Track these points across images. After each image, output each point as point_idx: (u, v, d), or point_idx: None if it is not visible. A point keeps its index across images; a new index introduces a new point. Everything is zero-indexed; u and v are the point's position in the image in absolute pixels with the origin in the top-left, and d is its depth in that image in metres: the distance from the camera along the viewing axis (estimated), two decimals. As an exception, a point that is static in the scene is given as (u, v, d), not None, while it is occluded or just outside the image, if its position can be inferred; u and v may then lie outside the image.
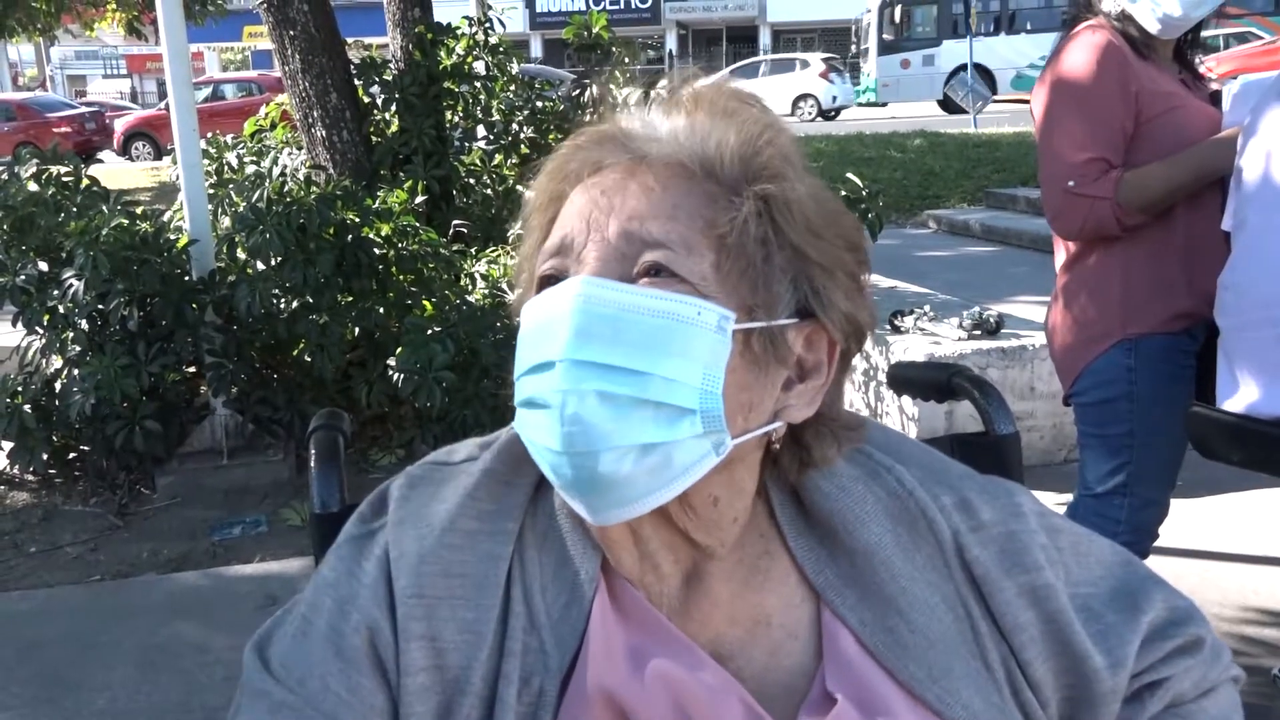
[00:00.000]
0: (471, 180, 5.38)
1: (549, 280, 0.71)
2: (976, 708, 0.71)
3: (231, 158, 5.33)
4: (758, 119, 0.73)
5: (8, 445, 3.90)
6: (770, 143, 0.72)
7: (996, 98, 19.85)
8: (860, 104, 23.71)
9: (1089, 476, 2.07)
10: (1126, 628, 0.78)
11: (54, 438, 3.87)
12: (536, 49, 31.70)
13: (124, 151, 19.23)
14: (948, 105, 20.81)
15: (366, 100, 5.17)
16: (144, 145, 19.15)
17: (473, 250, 4.81)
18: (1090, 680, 0.75)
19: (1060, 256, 2.09)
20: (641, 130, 0.74)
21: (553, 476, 0.70)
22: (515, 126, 5.47)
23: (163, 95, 21.92)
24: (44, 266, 3.82)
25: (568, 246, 0.71)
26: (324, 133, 4.92)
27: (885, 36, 22.02)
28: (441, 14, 5.41)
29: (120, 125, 19.79)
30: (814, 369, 0.74)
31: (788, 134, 0.74)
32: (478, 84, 5.40)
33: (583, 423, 0.65)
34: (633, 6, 33.51)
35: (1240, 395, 1.76)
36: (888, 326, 4.00)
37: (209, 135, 5.28)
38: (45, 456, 3.80)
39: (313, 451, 1.00)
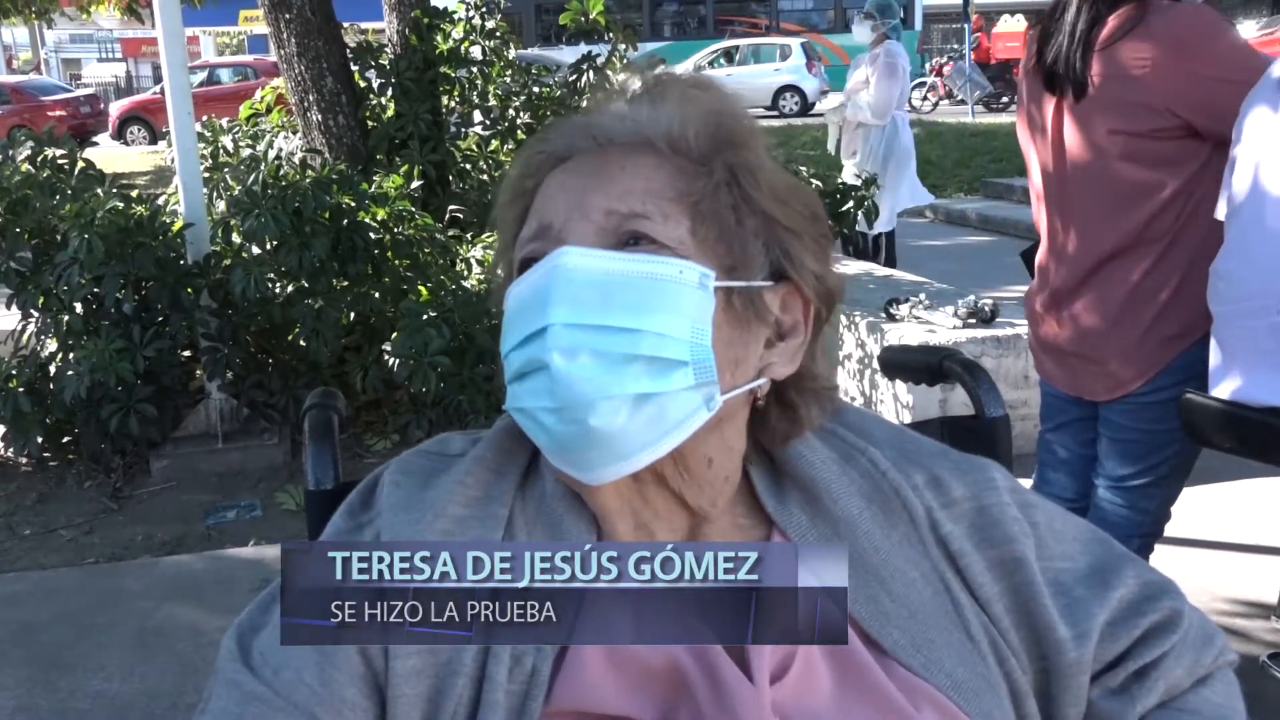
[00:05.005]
0: (468, 166, 5.36)
1: (530, 263, 0.72)
2: (960, 676, 0.72)
3: (227, 142, 5.30)
4: (718, 97, 0.77)
5: (2, 429, 3.90)
6: (732, 115, 0.76)
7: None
8: None
9: (1125, 470, 2.02)
10: (1095, 602, 0.79)
11: (49, 421, 3.86)
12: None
13: (119, 135, 19.14)
14: None
15: (362, 85, 5.14)
16: (139, 129, 19.07)
17: (468, 236, 4.80)
18: (1056, 650, 0.77)
19: (1100, 253, 1.92)
20: (606, 118, 0.76)
21: (547, 441, 0.71)
22: (512, 112, 5.45)
23: (158, 79, 21.82)
24: (39, 249, 3.81)
25: (545, 229, 0.73)
26: (320, 117, 4.91)
27: None
28: (438, -2, 5.39)
29: (115, 109, 19.70)
30: (792, 329, 0.77)
31: (748, 114, 0.78)
32: (474, 69, 5.38)
33: (577, 375, 0.67)
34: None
35: (1230, 382, 1.76)
36: (883, 314, 4.00)
37: (204, 119, 5.26)
38: (40, 440, 3.79)
39: (307, 429, 1.00)
